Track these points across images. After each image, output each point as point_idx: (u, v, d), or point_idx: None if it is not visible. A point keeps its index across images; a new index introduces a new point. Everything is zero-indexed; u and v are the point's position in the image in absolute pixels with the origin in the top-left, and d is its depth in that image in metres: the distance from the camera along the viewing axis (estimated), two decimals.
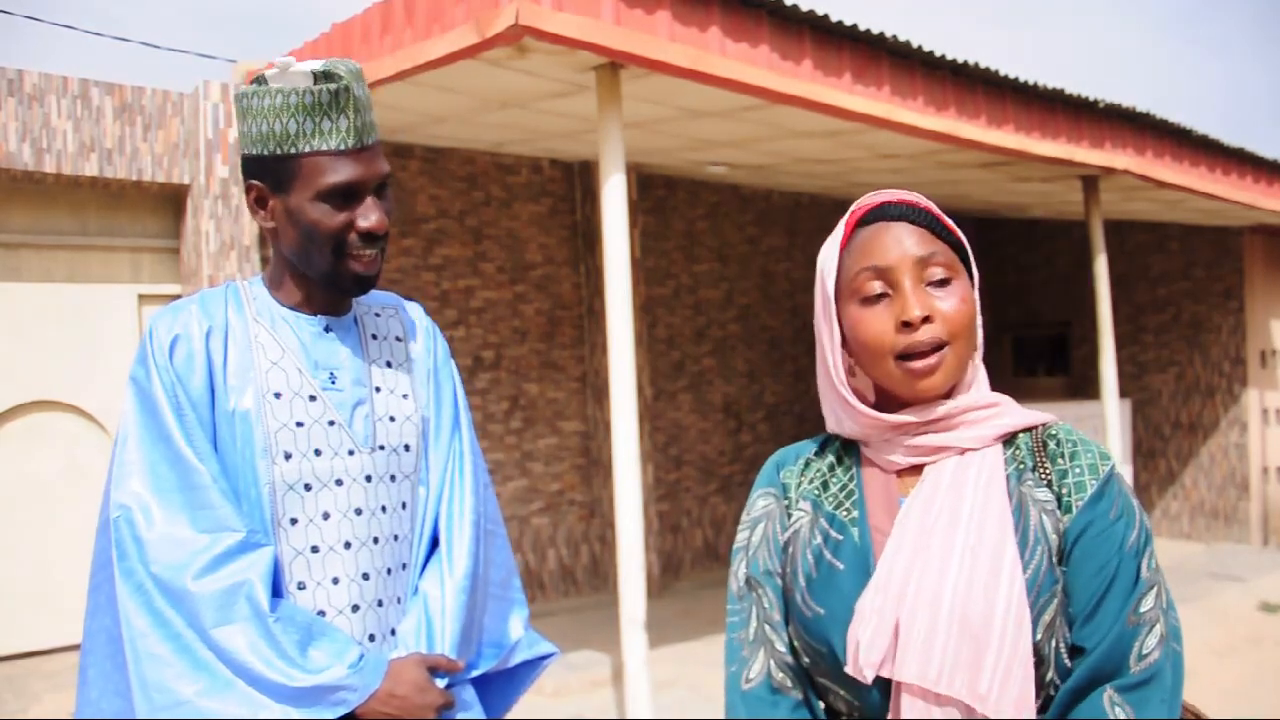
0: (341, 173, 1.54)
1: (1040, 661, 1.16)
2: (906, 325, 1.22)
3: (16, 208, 5.62)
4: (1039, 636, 1.15)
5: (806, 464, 1.37)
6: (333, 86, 1.52)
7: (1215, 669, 5.85)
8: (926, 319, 1.22)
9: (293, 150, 1.53)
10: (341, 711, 1.48)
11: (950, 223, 1.29)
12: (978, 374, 1.29)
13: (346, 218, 1.56)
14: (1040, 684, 1.17)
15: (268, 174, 1.57)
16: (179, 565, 1.47)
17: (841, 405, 1.31)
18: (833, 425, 1.34)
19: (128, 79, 9.52)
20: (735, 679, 1.32)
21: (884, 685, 1.20)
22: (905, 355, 1.23)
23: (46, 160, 5.40)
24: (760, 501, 1.38)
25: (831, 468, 1.35)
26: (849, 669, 1.19)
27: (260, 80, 1.55)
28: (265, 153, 1.55)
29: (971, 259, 1.30)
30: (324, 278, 1.60)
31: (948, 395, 1.27)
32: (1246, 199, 7.96)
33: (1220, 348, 9.70)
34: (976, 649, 1.14)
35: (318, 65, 1.54)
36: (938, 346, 1.22)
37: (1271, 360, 9.67)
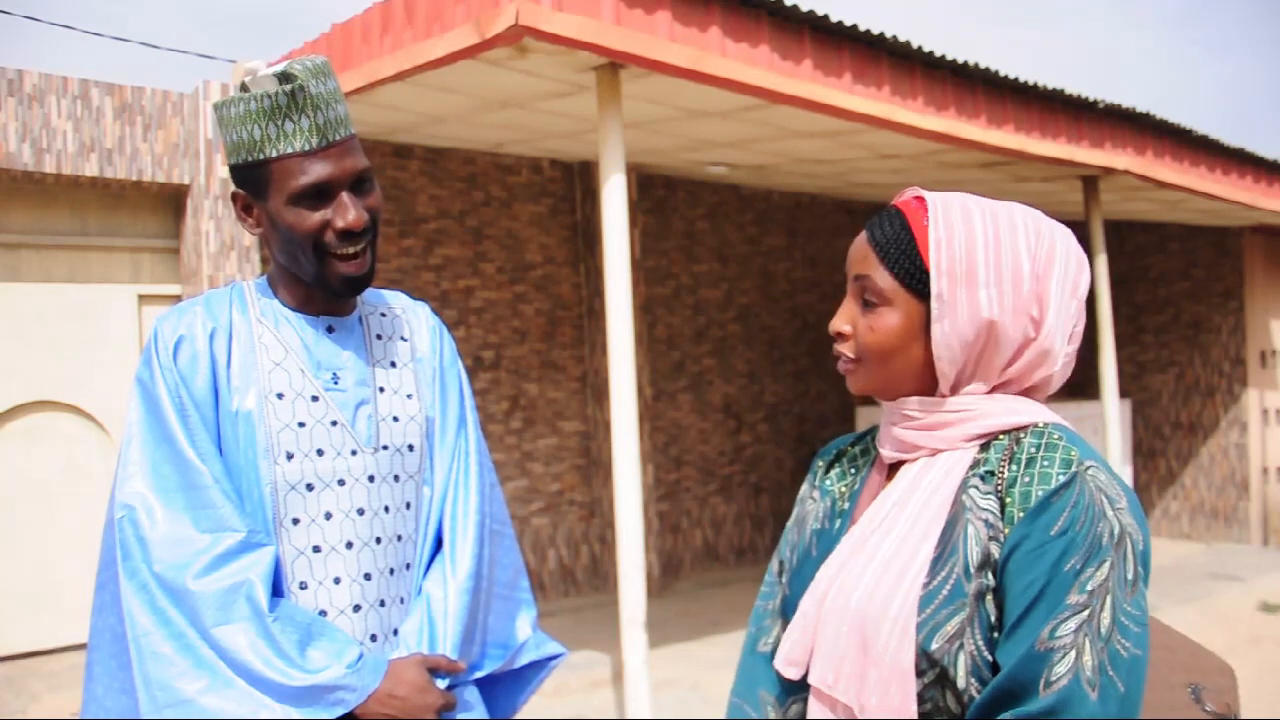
0: (310, 173, 1.53)
1: (944, 671, 1.13)
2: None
3: (16, 208, 5.62)
4: (935, 646, 1.12)
5: (839, 455, 1.43)
6: (288, 88, 1.51)
7: None
8: (841, 335, 1.28)
9: (261, 156, 1.53)
10: (340, 711, 1.48)
11: (932, 241, 1.20)
12: (976, 384, 1.24)
13: (322, 218, 1.55)
14: (958, 694, 1.14)
15: (248, 182, 1.58)
16: (181, 565, 1.47)
17: None
18: None
19: (128, 79, 9.52)
20: (753, 639, 1.43)
21: None
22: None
23: (46, 160, 5.40)
24: (802, 489, 1.46)
25: (853, 459, 1.40)
26: (775, 664, 1.29)
27: (242, 88, 1.55)
28: (240, 161, 1.56)
29: (944, 284, 1.19)
30: (314, 280, 1.60)
31: (924, 391, 1.27)
32: (1246, 199, 7.96)
33: (1220, 348, 9.70)
34: (865, 661, 1.17)
35: (280, 67, 1.54)
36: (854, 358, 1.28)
37: (1271, 360, 9.67)
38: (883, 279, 1.23)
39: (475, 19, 4.12)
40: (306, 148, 1.52)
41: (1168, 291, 10.06)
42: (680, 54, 4.38)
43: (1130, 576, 1.11)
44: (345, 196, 1.56)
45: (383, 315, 1.75)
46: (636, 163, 7.20)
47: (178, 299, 5.86)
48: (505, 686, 1.78)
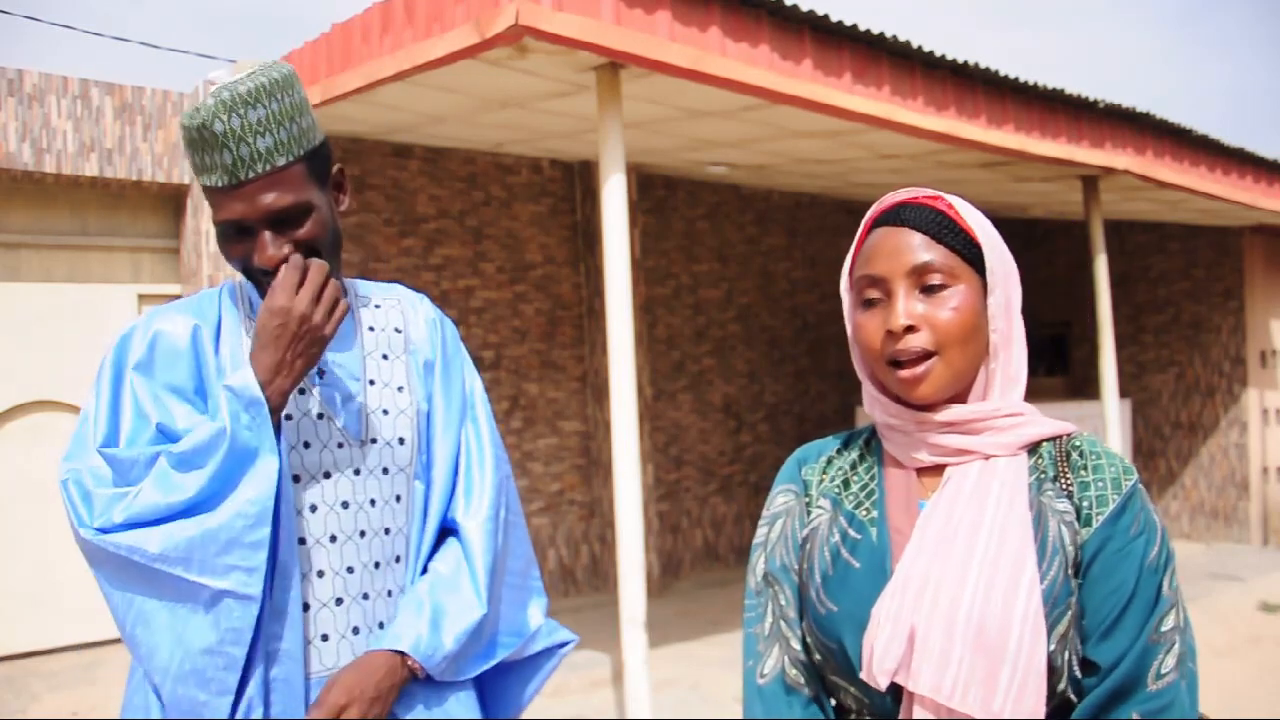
0: (224, 210, 1.50)
1: (1052, 672, 1.15)
2: (892, 333, 1.23)
3: (16, 208, 5.62)
4: (1053, 647, 1.15)
5: (828, 462, 1.38)
6: (196, 123, 1.46)
7: (1215, 669, 5.85)
8: (910, 328, 1.22)
9: (199, 179, 1.54)
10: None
11: (968, 222, 1.26)
12: (1001, 380, 1.27)
13: (245, 249, 1.53)
14: (1051, 693, 1.16)
15: None
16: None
17: (870, 396, 1.33)
18: (868, 407, 1.35)
19: (128, 79, 9.52)
20: (751, 674, 1.34)
21: (895, 688, 1.20)
22: (894, 362, 1.24)
23: (46, 160, 5.40)
24: (780, 498, 1.39)
25: (854, 466, 1.35)
26: (863, 674, 1.20)
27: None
28: None
29: (991, 257, 1.26)
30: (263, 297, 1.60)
31: (959, 399, 1.26)
32: (1246, 199, 7.96)
33: (1220, 348, 9.70)
34: (991, 664, 1.14)
35: (223, 85, 1.49)
36: (926, 355, 1.23)
37: (1271, 360, 9.67)
38: (946, 256, 1.24)
39: (475, 19, 4.12)
40: (220, 184, 1.49)
41: (1168, 291, 10.05)
42: (680, 54, 4.38)
43: (1176, 574, 1.23)
44: (265, 235, 1.51)
45: (377, 307, 1.73)
46: (636, 163, 7.20)
47: (177, 298, 5.86)
48: (518, 674, 1.78)
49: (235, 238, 1.52)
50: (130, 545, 1.43)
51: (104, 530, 1.45)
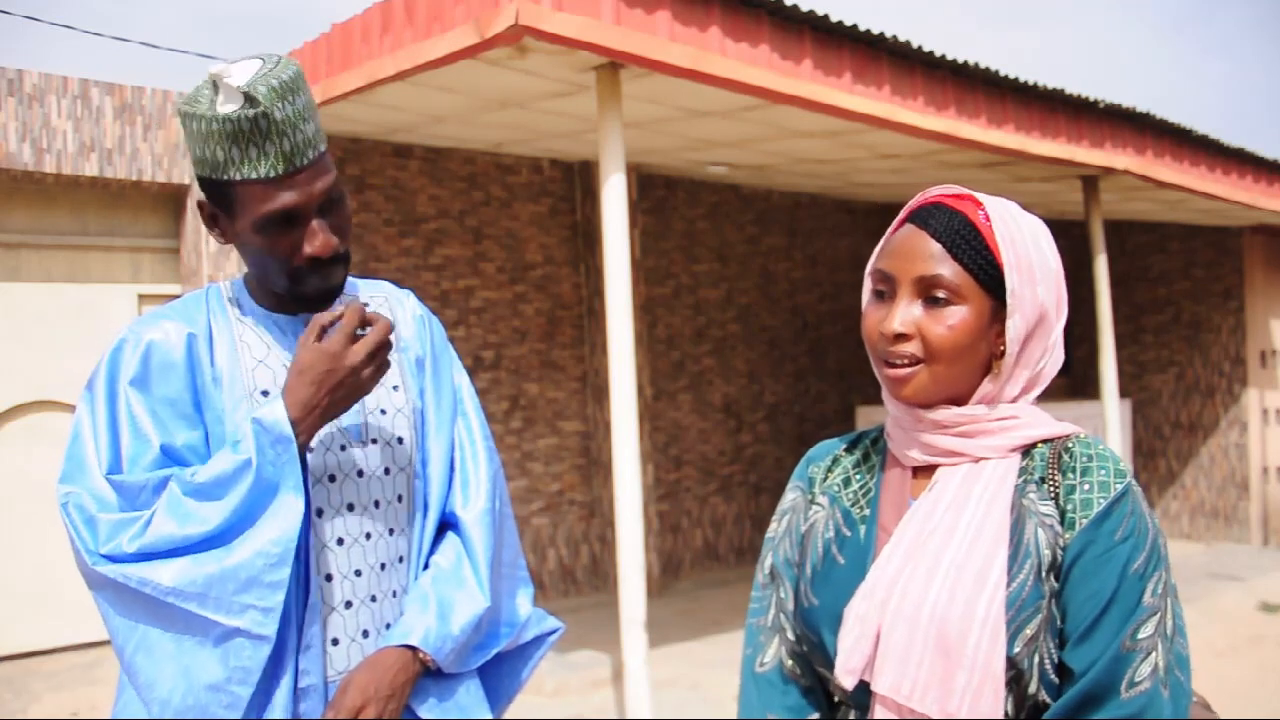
0: (275, 200, 1.46)
1: (1020, 675, 1.15)
2: (885, 335, 1.24)
3: (16, 208, 5.62)
4: (1017, 649, 1.14)
5: (835, 460, 1.40)
6: (250, 113, 1.41)
7: (1215, 669, 5.85)
8: (902, 335, 1.23)
9: (225, 178, 1.47)
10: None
11: (997, 237, 1.22)
12: (1008, 391, 1.26)
13: (291, 243, 1.50)
14: (1022, 698, 1.16)
15: (213, 196, 1.52)
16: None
17: (882, 385, 1.33)
18: (885, 400, 1.35)
19: (128, 79, 9.52)
20: (750, 661, 1.37)
21: (869, 687, 1.22)
22: (887, 360, 1.25)
23: (46, 160, 5.40)
24: (789, 495, 1.42)
25: (857, 465, 1.37)
26: (834, 672, 1.23)
27: (213, 85, 1.48)
28: (205, 175, 1.50)
29: (1015, 280, 1.22)
30: (287, 294, 1.57)
31: (959, 401, 1.26)
32: (1246, 199, 7.96)
33: (1220, 348, 9.70)
34: (949, 667, 1.14)
35: (245, 80, 1.43)
36: (916, 360, 1.23)
37: (1271, 360, 9.67)
38: (956, 274, 1.21)
39: (475, 19, 4.12)
40: (272, 174, 1.45)
41: (1168, 291, 10.05)
42: (680, 54, 4.38)
43: (1174, 581, 1.19)
44: (315, 223, 1.50)
45: (364, 305, 1.73)
46: (636, 163, 7.20)
47: (177, 298, 5.86)
48: (510, 664, 1.78)
49: (280, 229, 1.49)
50: (141, 578, 1.41)
51: (112, 558, 1.42)
